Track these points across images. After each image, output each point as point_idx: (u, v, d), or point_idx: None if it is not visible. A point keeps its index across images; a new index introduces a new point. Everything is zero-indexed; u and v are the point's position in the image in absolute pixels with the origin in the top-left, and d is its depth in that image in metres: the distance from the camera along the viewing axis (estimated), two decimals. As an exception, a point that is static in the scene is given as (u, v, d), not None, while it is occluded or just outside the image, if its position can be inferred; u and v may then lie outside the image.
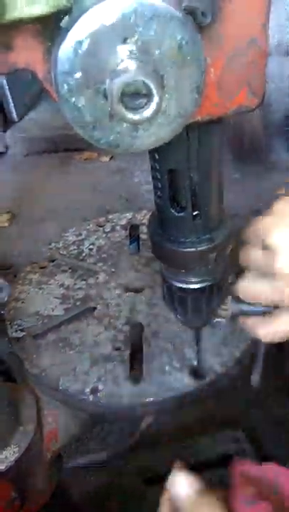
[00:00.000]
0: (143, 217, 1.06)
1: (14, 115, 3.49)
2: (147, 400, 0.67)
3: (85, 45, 0.29)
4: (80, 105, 0.31)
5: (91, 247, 0.99)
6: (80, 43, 0.29)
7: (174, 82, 0.32)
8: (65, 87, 0.30)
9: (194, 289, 0.59)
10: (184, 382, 0.68)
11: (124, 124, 0.33)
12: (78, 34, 0.29)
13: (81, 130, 0.33)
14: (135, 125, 0.33)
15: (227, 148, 2.70)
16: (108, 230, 1.03)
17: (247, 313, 0.61)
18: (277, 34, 2.71)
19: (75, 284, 0.90)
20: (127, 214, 1.08)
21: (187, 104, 0.34)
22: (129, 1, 0.29)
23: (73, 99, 0.31)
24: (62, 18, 0.31)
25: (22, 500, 0.73)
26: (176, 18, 0.30)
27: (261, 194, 2.58)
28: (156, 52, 0.31)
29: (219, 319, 0.64)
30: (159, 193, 0.51)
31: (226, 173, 0.52)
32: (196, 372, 0.70)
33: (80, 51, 0.29)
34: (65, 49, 0.29)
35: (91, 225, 1.05)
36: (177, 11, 0.30)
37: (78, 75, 0.30)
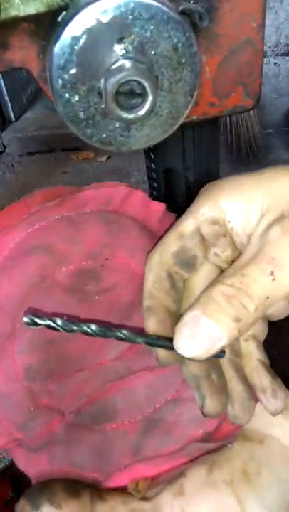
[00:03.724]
0: (140, 216, 1.05)
1: (11, 114, 3.50)
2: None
3: (81, 42, 0.29)
4: (73, 101, 0.31)
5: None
6: (76, 38, 0.29)
7: (168, 84, 0.32)
8: (60, 82, 0.31)
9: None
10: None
11: (117, 123, 0.33)
12: (75, 30, 0.29)
13: (74, 126, 0.33)
14: (128, 124, 0.33)
15: (224, 148, 2.71)
16: (105, 229, 1.03)
17: None
18: (274, 35, 2.72)
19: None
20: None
21: (180, 107, 0.34)
22: (128, 0, 0.29)
23: (67, 94, 0.31)
24: (58, 15, 0.31)
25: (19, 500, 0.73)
26: (173, 20, 0.30)
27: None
28: (152, 53, 0.31)
29: None
30: (154, 192, 0.51)
31: (222, 173, 0.52)
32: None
33: (76, 47, 0.30)
34: (62, 44, 0.30)
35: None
36: (174, 13, 0.30)
37: (73, 70, 0.30)
